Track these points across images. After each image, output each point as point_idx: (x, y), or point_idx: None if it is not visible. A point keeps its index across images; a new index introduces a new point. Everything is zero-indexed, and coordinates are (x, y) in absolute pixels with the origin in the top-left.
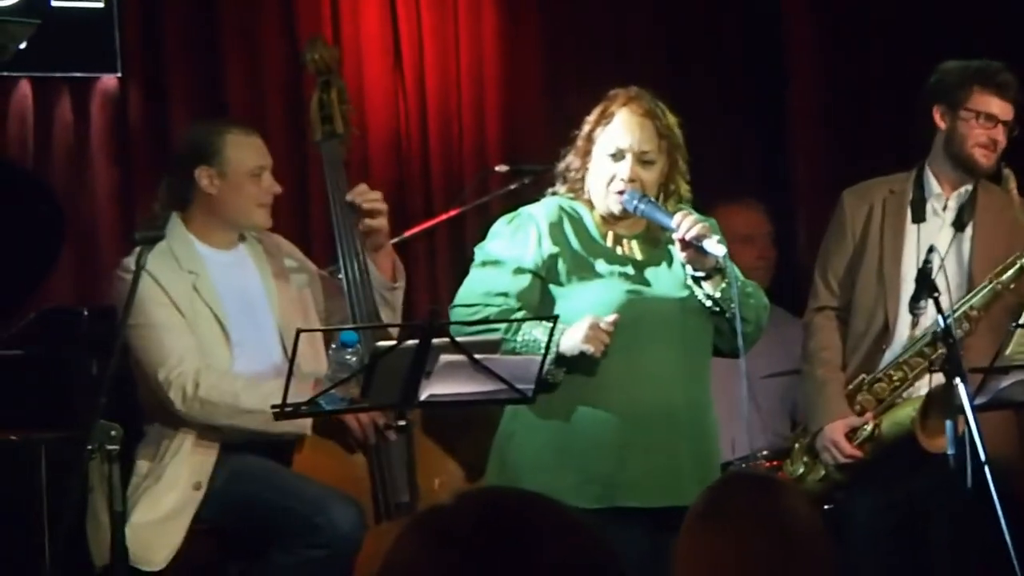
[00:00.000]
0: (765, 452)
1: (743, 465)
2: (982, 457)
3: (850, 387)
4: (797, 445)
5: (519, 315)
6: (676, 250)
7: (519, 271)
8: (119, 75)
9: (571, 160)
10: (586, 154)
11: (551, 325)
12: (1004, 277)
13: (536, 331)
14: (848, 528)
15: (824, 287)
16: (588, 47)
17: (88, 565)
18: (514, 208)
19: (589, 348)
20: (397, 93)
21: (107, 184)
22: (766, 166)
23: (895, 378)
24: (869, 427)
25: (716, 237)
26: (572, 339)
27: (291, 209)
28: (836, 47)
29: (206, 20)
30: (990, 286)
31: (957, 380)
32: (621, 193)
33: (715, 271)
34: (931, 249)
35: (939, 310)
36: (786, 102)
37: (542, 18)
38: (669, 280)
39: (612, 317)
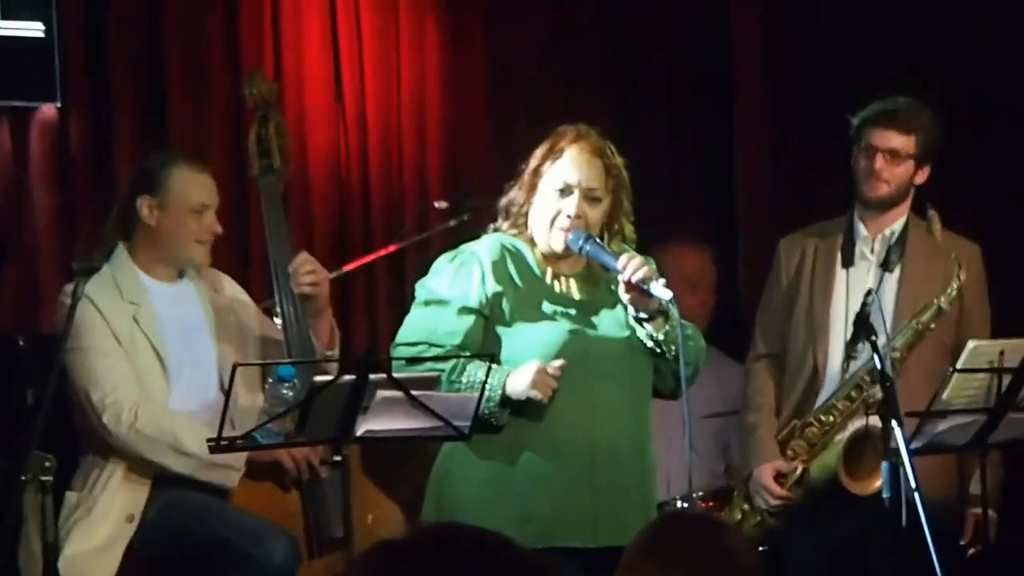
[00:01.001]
0: (700, 493)
1: (681, 504)
2: (918, 502)
3: (783, 432)
4: (736, 493)
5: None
6: (620, 291)
7: (464, 311)
8: (59, 105)
9: (515, 195)
10: (532, 189)
11: (489, 364)
12: (924, 318)
13: (481, 372)
14: (785, 570)
15: (761, 335)
16: (533, 82)
17: None
18: (455, 243)
19: (536, 394)
20: (338, 125)
21: (46, 213)
22: (710, 204)
23: (825, 422)
24: (798, 471)
25: (662, 280)
26: (519, 383)
27: (231, 242)
28: (784, 87)
29: (149, 51)
30: (911, 326)
31: (894, 423)
32: (566, 230)
33: (658, 313)
34: (869, 292)
35: (876, 353)
36: (733, 140)
37: (486, 51)
38: (610, 319)
39: (559, 363)
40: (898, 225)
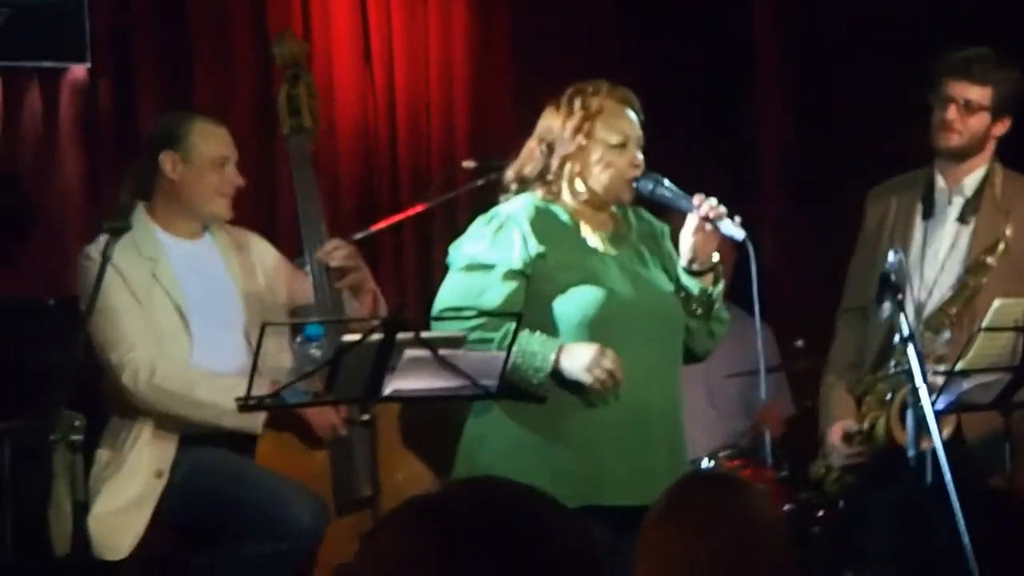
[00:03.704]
0: (727, 452)
1: (707, 463)
2: (942, 459)
3: (860, 388)
4: (820, 451)
5: (504, 320)
6: (686, 234)
7: (509, 275)
8: (88, 66)
9: (549, 162)
10: (581, 151)
11: (515, 327)
12: (973, 276)
13: (535, 342)
14: (857, 527)
15: (847, 289)
16: (557, 45)
17: (49, 553)
18: (482, 204)
19: (588, 379)
20: (366, 88)
21: (75, 173)
22: (735, 172)
23: (892, 377)
24: (865, 428)
25: (737, 219)
26: (574, 363)
27: (258, 202)
28: (802, 55)
29: (176, 12)
30: (964, 288)
31: (919, 382)
32: (634, 180)
33: (710, 269)
34: (896, 251)
35: (902, 312)
36: (754, 107)
37: (512, 16)
38: (649, 278)
39: (614, 358)
40: (975, 177)
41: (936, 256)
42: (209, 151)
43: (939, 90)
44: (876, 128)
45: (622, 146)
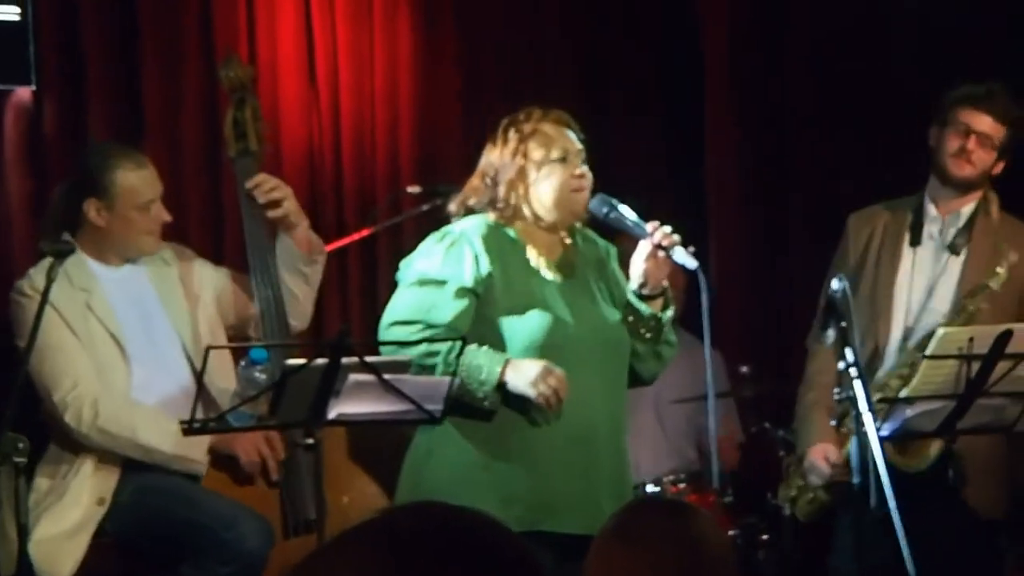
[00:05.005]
0: (671, 477)
1: (652, 488)
2: (886, 485)
3: (840, 408)
4: (792, 470)
5: (456, 340)
6: (637, 259)
7: (460, 292)
8: (33, 88)
9: (495, 193)
10: (522, 174)
11: (459, 350)
12: (972, 300)
13: (481, 357)
14: (834, 546)
15: None
16: (505, 68)
17: None
18: (426, 228)
19: (532, 394)
20: (311, 111)
21: (20, 196)
22: (679, 189)
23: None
24: (845, 449)
25: (690, 248)
26: (521, 378)
27: (205, 225)
28: (752, 70)
29: (123, 35)
30: (963, 310)
31: (864, 410)
32: (582, 191)
33: (660, 294)
34: (840, 279)
35: (846, 341)
36: (701, 126)
37: (458, 38)
38: (596, 303)
39: (561, 373)
40: (967, 209)
41: (923, 283)
42: (134, 197)
43: (954, 117)
44: (829, 154)
45: (562, 160)
